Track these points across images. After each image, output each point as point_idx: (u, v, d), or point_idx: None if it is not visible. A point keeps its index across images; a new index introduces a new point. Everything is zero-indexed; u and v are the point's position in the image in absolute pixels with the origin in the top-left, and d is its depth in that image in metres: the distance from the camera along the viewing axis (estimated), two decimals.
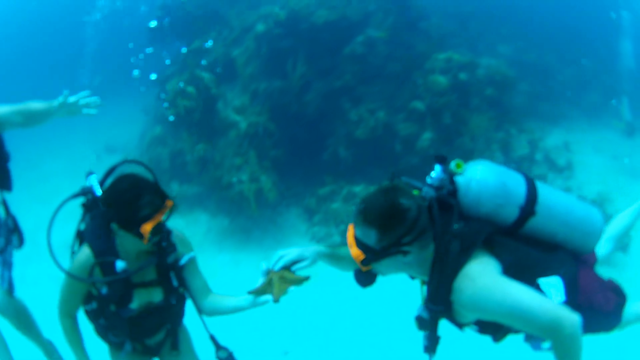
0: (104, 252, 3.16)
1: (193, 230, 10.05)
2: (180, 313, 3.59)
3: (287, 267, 3.02)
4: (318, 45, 10.57)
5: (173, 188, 11.24)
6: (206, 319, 3.52)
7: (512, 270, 2.61)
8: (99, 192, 3.32)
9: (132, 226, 3.01)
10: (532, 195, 2.80)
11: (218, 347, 3.56)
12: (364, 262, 2.63)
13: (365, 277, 2.78)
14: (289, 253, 3.02)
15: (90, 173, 3.41)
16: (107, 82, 15.10)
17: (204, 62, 11.43)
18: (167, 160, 11.00)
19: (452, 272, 2.54)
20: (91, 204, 3.35)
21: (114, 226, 3.08)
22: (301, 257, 3.03)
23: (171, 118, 10.46)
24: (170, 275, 3.35)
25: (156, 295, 3.34)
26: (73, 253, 3.40)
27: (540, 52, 15.57)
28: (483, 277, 2.51)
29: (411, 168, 9.90)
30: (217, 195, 9.82)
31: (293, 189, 10.16)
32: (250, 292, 3.12)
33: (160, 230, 3.10)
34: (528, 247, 2.79)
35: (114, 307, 3.24)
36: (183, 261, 3.37)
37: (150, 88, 13.50)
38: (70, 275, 3.18)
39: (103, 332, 3.47)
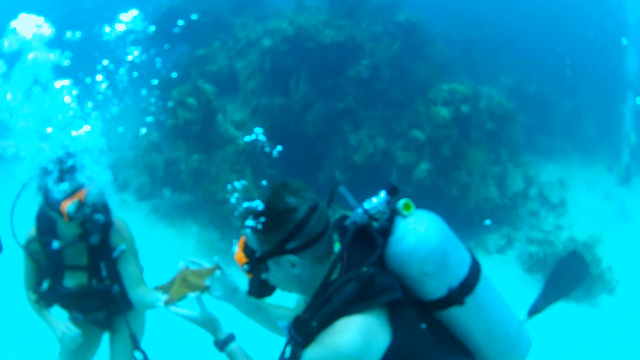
0: (46, 232, 3.49)
1: (183, 241, 10.01)
2: (118, 300, 3.72)
3: (199, 272, 2.70)
4: (323, 66, 10.53)
5: (165, 194, 11.19)
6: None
7: (397, 355, 2.14)
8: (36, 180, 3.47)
9: (54, 205, 3.26)
10: (470, 283, 2.34)
11: (135, 346, 3.75)
12: (246, 268, 2.32)
13: (258, 287, 2.37)
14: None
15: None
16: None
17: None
18: (161, 168, 10.93)
19: (330, 314, 2.11)
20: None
21: (45, 207, 3.36)
22: (223, 275, 2.73)
23: (169, 123, 10.35)
24: (101, 264, 3.58)
25: (84, 279, 3.61)
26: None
27: (540, 83, 15.64)
28: (346, 341, 2.05)
29: (405, 197, 9.89)
30: (210, 209, 9.76)
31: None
32: (157, 288, 2.88)
33: (82, 210, 3.30)
34: (432, 335, 2.30)
35: (49, 282, 3.57)
36: (116, 253, 3.58)
37: (151, 90, 13.40)
38: (21, 246, 3.56)
39: (49, 304, 3.71)
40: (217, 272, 2.74)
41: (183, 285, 2.68)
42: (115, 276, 3.64)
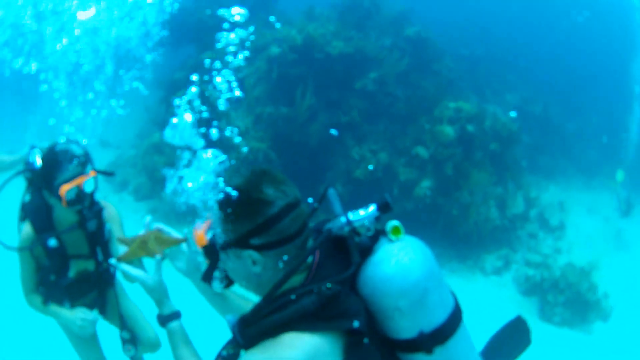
0: (43, 228, 3.49)
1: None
2: (107, 281, 3.87)
3: (163, 239, 2.54)
4: (330, 77, 10.50)
5: (164, 196, 11.13)
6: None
7: None
8: (38, 165, 3.47)
9: (54, 189, 3.29)
10: (445, 332, 2.03)
11: (122, 326, 3.76)
12: (205, 252, 2.15)
13: (212, 276, 2.22)
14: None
15: (32, 147, 3.50)
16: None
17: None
18: (161, 170, 10.85)
19: (279, 323, 1.85)
20: (33, 177, 3.53)
21: (45, 193, 3.40)
22: (189, 249, 2.53)
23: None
24: (97, 250, 3.69)
25: (90, 266, 3.72)
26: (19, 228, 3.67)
27: (546, 103, 15.63)
28: (287, 358, 1.79)
29: (405, 214, 9.87)
30: None
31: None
32: (119, 239, 2.66)
33: (80, 196, 3.36)
34: None
35: (53, 277, 3.60)
36: (106, 235, 3.69)
37: (154, 90, 13.37)
38: (18, 249, 3.53)
39: (45, 296, 3.69)
40: (183, 245, 2.54)
41: (142, 247, 2.51)
42: (110, 257, 3.74)
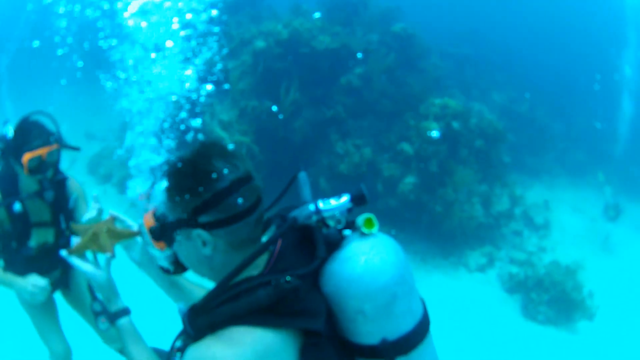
0: (9, 193, 3.65)
1: None
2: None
3: (116, 232, 2.42)
4: (315, 72, 10.44)
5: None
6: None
7: None
8: (10, 135, 3.61)
9: (19, 156, 3.45)
10: (409, 343, 1.87)
11: (93, 298, 3.70)
12: (153, 233, 1.92)
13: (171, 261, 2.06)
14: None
15: (6, 122, 3.62)
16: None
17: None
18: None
19: (230, 315, 1.70)
20: (4, 147, 3.64)
21: (12, 161, 3.54)
22: (143, 242, 2.39)
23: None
24: (60, 217, 3.84)
25: (50, 236, 3.84)
26: None
27: (533, 103, 15.68)
28: (234, 355, 1.63)
29: (388, 210, 9.83)
30: None
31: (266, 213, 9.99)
32: (69, 252, 2.48)
33: (42, 166, 3.51)
34: None
35: (15, 244, 3.74)
36: (71, 204, 3.86)
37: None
38: None
39: (8, 267, 3.82)
40: (138, 238, 2.41)
41: (94, 240, 2.39)
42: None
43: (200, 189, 1.73)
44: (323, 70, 10.51)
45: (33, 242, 3.81)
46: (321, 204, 1.94)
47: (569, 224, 12.39)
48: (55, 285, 4.12)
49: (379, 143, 10.20)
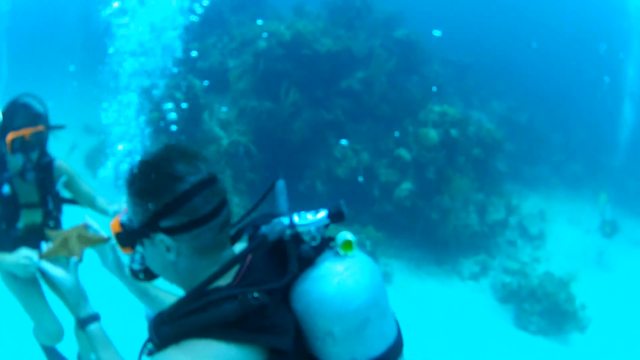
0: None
1: None
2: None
3: (87, 238, 2.44)
4: (316, 74, 10.45)
5: None
6: None
7: None
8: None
9: (4, 136, 3.52)
10: None
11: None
12: (119, 239, 1.88)
13: (140, 267, 2.00)
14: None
15: None
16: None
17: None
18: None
19: (195, 327, 1.64)
20: None
21: (1, 142, 3.59)
22: (113, 249, 2.37)
23: (154, 116, 10.24)
24: (48, 199, 3.88)
25: (37, 217, 3.89)
26: None
27: (532, 114, 15.69)
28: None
29: (384, 215, 9.84)
30: None
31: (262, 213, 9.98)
32: (40, 256, 2.52)
33: (25, 146, 3.56)
34: None
35: (4, 225, 3.76)
36: (59, 185, 3.89)
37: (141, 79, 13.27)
38: None
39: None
40: (107, 245, 2.38)
41: (64, 245, 2.41)
42: (60, 209, 4.00)
43: (161, 193, 1.68)
44: (324, 73, 10.52)
45: (21, 224, 3.84)
46: (296, 218, 1.84)
47: (564, 236, 12.40)
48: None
49: (377, 148, 10.21)
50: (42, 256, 2.39)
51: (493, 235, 10.76)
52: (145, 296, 2.39)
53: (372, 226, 9.51)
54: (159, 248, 1.76)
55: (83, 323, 2.23)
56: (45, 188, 3.88)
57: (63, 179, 3.93)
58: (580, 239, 12.52)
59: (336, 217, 1.84)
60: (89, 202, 4.11)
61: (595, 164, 15.38)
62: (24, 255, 3.50)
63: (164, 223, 1.70)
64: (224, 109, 10.26)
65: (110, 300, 4.92)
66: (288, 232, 1.82)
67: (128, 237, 1.84)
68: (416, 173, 9.79)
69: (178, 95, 9.80)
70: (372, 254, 9.29)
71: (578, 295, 9.18)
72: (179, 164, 1.68)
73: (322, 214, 1.84)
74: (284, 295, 1.80)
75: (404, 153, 9.87)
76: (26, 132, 3.53)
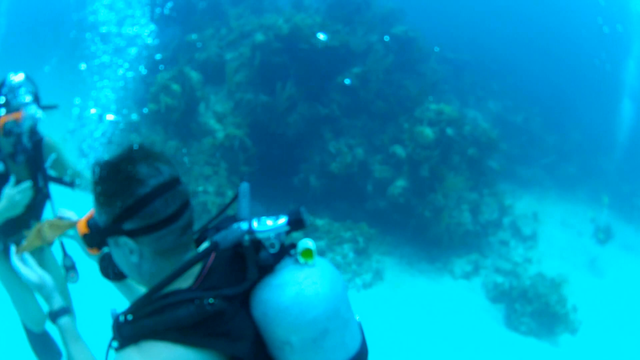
0: None
1: None
2: (40, 212, 4.15)
3: (57, 224, 2.44)
4: (313, 69, 10.43)
5: None
6: None
7: None
8: None
9: None
10: None
11: (64, 254, 3.78)
12: (86, 240, 1.89)
13: (110, 267, 2.03)
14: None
15: None
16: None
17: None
18: None
19: (152, 329, 1.65)
20: None
21: None
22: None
23: (151, 107, 10.23)
24: (38, 176, 3.95)
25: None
26: None
27: (528, 114, 15.68)
28: None
29: (377, 212, 9.84)
30: None
31: (256, 206, 9.97)
32: (17, 250, 2.68)
33: (14, 129, 3.64)
34: None
35: None
36: (48, 162, 3.97)
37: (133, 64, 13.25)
38: None
39: None
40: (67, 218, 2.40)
41: (38, 235, 2.43)
42: (48, 186, 4.08)
43: (123, 195, 1.68)
44: (321, 67, 10.50)
45: None
46: (255, 224, 1.81)
47: (557, 237, 12.42)
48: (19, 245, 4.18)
49: (371, 144, 10.20)
50: (19, 250, 2.38)
51: (486, 234, 10.76)
52: (125, 287, 2.40)
53: (365, 222, 9.51)
54: (123, 250, 1.77)
55: (54, 316, 2.23)
56: (36, 165, 3.96)
57: (52, 156, 4.00)
58: (573, 241, 12.54)
59: (296, 224, 1.81)
60: (76, 176, 4.20)
61: (589, 166, 15.40)
62: (18, 190, 3.64)
63: (126, 225, 1.70)
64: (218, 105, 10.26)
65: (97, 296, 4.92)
66: (247, 237, 1.79)
67: (94, 238, 1.84)
68: (410, 170, 9.78)
69: (175, 87, 9.77)
70: (365, 250, 9.30)
71: (570, 297, 9.19)
72: (141, 167, 1.68)
73: (282, 220, 1.81)
74: (244, 300, 1.78)
75: (398, 150, 9.87)
76: (18, 115, 3.62)
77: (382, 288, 9.07)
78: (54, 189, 4.14)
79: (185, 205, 1.76)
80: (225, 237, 1.79)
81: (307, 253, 1.79)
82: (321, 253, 8.89)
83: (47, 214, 4.17)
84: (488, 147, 10.70)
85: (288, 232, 1.81)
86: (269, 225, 1.79)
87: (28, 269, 2.29)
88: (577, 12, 18.55)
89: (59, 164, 4.10)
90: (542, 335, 8.89)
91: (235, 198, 2.00)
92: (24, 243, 2.45)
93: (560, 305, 9.03)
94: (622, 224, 13.50)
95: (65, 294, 4.25)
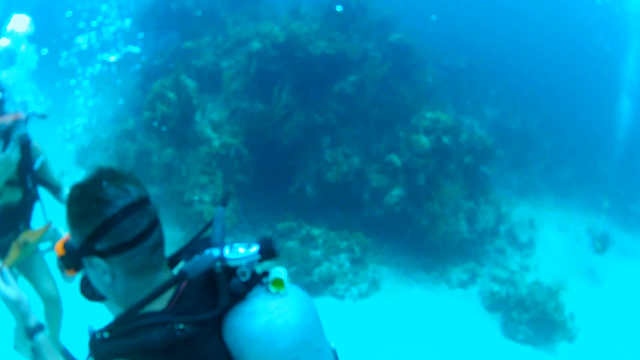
0: None
1: None
2: (29, 215, 4.24)
3: (32, 232, 2.67)
4: (309, 77, 10.41)
5: None
6: None
7: None
8: None
9: None
10: None
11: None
12: (63, 261, 1.88)
13: (89, 288, 2.01)
14: None
15: None
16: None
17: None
18: (132, 157, 10.70)
19: (124, 350, 1.68)
20: None
21: None
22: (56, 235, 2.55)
23: (146, 115, 10.22)
24: (27, 177, 4.07)
25: (16, 195, 4.06)
26: None
27: (525, 119, 15.66)
28: None
29: (373, 220, 9.83)
30: (176, 207, 9.56)
31: (252, 215, 9.97)
32: (3, 264, 2.69)
33: (6, 132, 3.79)
34: None
35: None
36: (37, 165, 4.10)
37: (131, 72, 13.26)
38: None
39: None
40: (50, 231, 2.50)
41: (17, 247, 2.52)
42: (37, 188, 4.20)
43: (92, 217, 1.70)
44: (317, 75, 10.48)
45: (1, 201, 4.00)
46: (227, 251, 1.83)
47: (554, 244, 12.42)
48: (2, 249, 4.12)
49: (367, 152, 10.19)
50: (5, 264, 2.42)
51: (482, 242, 10.75)
52: (112, 305, 2.36)
53: (361, 232, 9.51)
54: (97, 270, 1.78)
55: (31, 332, 2.25)
56: (25, 167, 4.06)
57: (41, 158, 4.15)
58: (570, 247, 12.52)
59: (267, 253, 1.84)
60: (56, 191, 4.31)
61: (586, 169, 15.39)
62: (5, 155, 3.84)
63: (97, 246, 1.72)
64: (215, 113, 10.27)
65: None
66: (219, 264, 1.81)
67: (70, 259, 1.84)
68: (407, 179, 9.78)
69: (170, 95, 9.75)
70: (361, 260, 9.30)
71: (567, 305, 9.19)
72: (109, 188, 1.70)
73: (254, 249, 1.83)
74: (217, 325, 1.79)
75: (395, 159, 9.85)
76: (6, 119, 3.76)
77: (378, 297, 9.07)
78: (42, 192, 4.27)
79: (154, 225, 1.77)
80: (194, 265, 1.80)
81: (279, 283, 1.80)
82: (317, 263, 8.91)
83: (38, 216, 4.23)
84: (484, 154, 10.70)
85: (259, 261, 1.84)
86: (241, 253, 1.82)
87: (6, 285, 2.30)
88: (572, 11, 18.57)
89: (45, 168, 4.23)
90: (540, 343, 8.89)
91: (209, 225, 1.99)
92: (7, 258, 2.49)
93: (557, 312, 9.03)
94: (619, 230, 13.49)
95: (57, 302, 4.38)
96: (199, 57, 11.66)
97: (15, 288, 2.29)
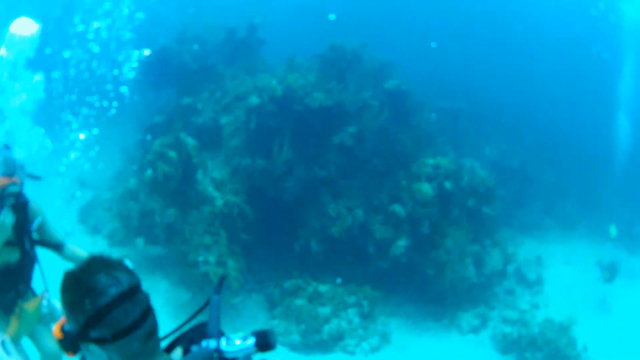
0: None
1: (151, 297, 9.75)
2: (29, 275, 4.26)
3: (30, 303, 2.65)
4: (308, 130, 10.45)
5: (138, 244, 10.92)
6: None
7: None
8: None
9: None
10: None
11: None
12: (61, 344, 1.90)
13: None
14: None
15: None
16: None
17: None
18: (136, 218, 10.71)
19: None
20: None
21: None
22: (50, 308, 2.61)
23: (148, 174, 10.23)
24: (25, 238, 4.12)
25: (14, 255, 4.11)
26: None
27: (524, 156, 15.66)
28: None
29: (380, 273, 9.79)
30: (181, 268, 9.54)
31: (258, 274, 9.94)
32: (7, 334, 2.71)
33: (2, 195, 3.93)
34: None
35: None
36: (34, 225, 4.18)
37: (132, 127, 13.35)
38: None
39: None
40: (44, 302, 2.52)
41: (17, 317, 2.55)
42: (34, 249, 4.23)
43: (84, 306, 1.72)
44: (316, 128, 10.52)
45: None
46: (224, 343, 1.89)
47: (562, 278, 12.33)
48: (9, 308, 4.11)
49: (370, 204, 10.18)
50: (8, 335, 2.45)
51: (491, 285, 10.69)
52: None
53: (368, 285, 9.48)
54: (94, 356, 1.79)
55: None
56: (21, 228, 4.14)
57: (38, 219, 4.22)
58: (578, 279, 12.42)
59: (263, 347, 1.92)
60: (58, 248, 4.38)
61: (589, 198, 15.32)
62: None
63: (93, 334, 1.74)
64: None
65: None
66: (215, 355, 1.88)
67: (68, 343, 1.86)
68: (411, 229, 9.77)
69: (171, 153, 9.77)
70: (370, 314, 9.24)
71: (579, 338, 9.15)
72: (101, 277, 1.73)
73: (250, 341, 1.91)
74: None
75: (398, 209, 9.83)
76: (2, 182, 3.91)
77: (389, 351, 9.00)
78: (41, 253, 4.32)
79: (146, 313, 1.78)
80: (193, 359, 1.87)
81: None
82: (326, 320, 8.86)
83: (36, 278, 4.29)
84: (487, 195, 10.71)
85: (255, 353, 1.90)
86: (237, 345, 1.89)
87: (7, 356, 2.34)
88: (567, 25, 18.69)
89: (44, 228, 4.30)
90: None
91: (201, 308, 2.07)
92: (10, 329, 2.53)
93: (570, 347, 9.02)
94: (625, 253, 13.42)
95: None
96: (198, 114, 11.73)
97: (16, 358, 2.33)
